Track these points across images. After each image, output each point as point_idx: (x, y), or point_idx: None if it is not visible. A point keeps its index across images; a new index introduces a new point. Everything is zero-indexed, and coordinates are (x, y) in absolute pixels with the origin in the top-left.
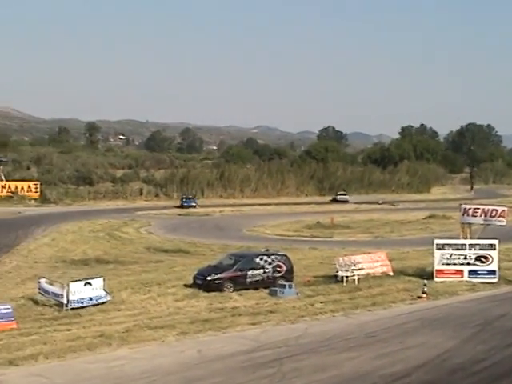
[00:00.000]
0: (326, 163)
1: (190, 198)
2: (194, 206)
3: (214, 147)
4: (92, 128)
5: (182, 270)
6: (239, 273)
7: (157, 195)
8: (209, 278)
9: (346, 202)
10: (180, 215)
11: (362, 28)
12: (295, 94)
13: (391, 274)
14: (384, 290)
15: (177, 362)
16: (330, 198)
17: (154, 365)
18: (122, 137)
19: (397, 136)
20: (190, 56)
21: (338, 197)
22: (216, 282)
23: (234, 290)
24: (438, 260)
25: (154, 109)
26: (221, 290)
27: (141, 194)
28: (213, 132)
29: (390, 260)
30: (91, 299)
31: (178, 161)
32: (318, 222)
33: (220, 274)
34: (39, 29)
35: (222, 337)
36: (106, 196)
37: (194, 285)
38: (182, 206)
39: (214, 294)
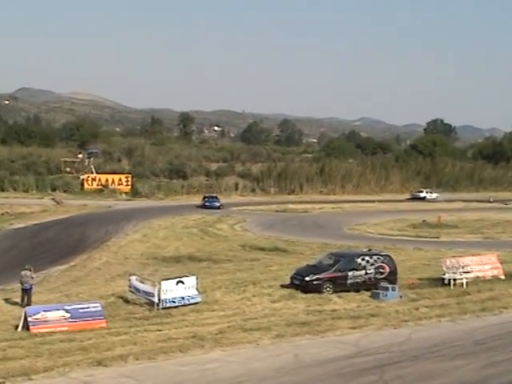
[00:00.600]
0: (434, 158)
1: (213, 197)
2: (219, 207)
3: (314, 140)
4: (186, 119)
5: (279, 270)
6: (339, 273)
7: (253, 190)
8: (307, 279)
9: (421, 199)
10: (277, 211)
11: (480, 16)
12: (401, 84)
13: (502, 277)
14: (494, 294)
15: (272, 366)
16: (407, 196)
17: (248, 369)
18: (216, 128)
19: (511, 130)
20: (291, 44)
21: (418, 194)
22: (315, 282)
23: (334, 292)
24: None
25: (251, 99)
26: (319, 292)
27: (236, 188)
28: (313, 124)
29: (501, 262)
30: (183, 299)
31: (276, 154)
32: (423, 221)
33: (319, 274)
34: (132, 19)
35: (320, 341)
36: (199, 190)
37: (292, 285)
38: (204, 207)
39: (312, 295)
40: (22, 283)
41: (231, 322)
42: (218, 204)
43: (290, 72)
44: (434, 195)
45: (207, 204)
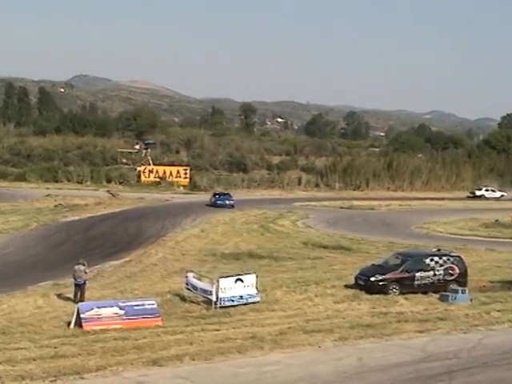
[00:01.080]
0: (509, 155)
1: (225, 195)
2: (231, 206)
3: (382, 133)
4: (247, 109)
5: (343, 269)
6: (406, 274)
7: (317, 185)
8: (372, 279)
9: (478, 197)
10: (342, 208)
11: None
12: (474, 76)
13: None
14: None
15: (334, 370)
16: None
17: (309, 372)
18: (279, 120)
19: None
20: (357, 33)
21: (476, 191)
22: (380, 283)
23: (400, 293)
24: None
25: (316, 90)
26: (385, 293)
27: (299, 183)
28: (380, 116)
29: None
30: (242, 297)
31: (341, 148)
32: (496, 221)
33: (385, 274)
34: (192, 6)
35: (385, 344)
36: (260, 184)
37: (356, 285)
38: (214, 205)
39: (377, 296)
40: (75, 278)
41: (292, 323)
42: (230, 202)
43: (356, 62)
44: (499, 193)
45: (219, 202)
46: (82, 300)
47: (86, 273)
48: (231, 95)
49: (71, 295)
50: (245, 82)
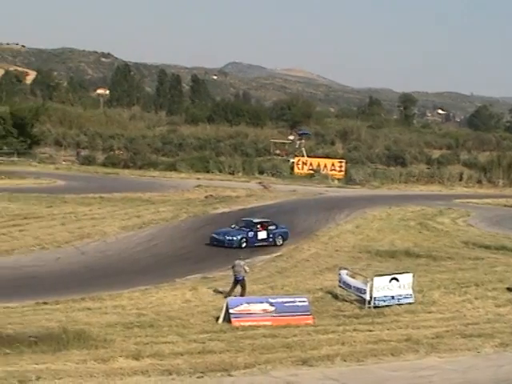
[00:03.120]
0: None
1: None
2: (274, 242)
3: None
4: (407, 100)
5: (505, 271)
6: None
7: (479, 181)
8: None
9: None
10: (506, 206)
11: None
12: None
13: None
14: None
15: (494, 377)
16: None
17: (467, 379)
18: (441, 111)
19: None
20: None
21: None
22: None
23: None
24: None
25: (480, 80)
26: None
27: (460, 179)
28: None
29: None
30: (396, 298)
31: (506, 142)
32: None
33: None
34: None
35: None
36: (419, 179)
37: None
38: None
39: None
40: (234, 273)
41: (450, 326)
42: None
43: None
44: None
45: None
46: (242, 295)
47: (245, 271)
48: (390, 85)
49: (221, 289)
50: (404, 72)
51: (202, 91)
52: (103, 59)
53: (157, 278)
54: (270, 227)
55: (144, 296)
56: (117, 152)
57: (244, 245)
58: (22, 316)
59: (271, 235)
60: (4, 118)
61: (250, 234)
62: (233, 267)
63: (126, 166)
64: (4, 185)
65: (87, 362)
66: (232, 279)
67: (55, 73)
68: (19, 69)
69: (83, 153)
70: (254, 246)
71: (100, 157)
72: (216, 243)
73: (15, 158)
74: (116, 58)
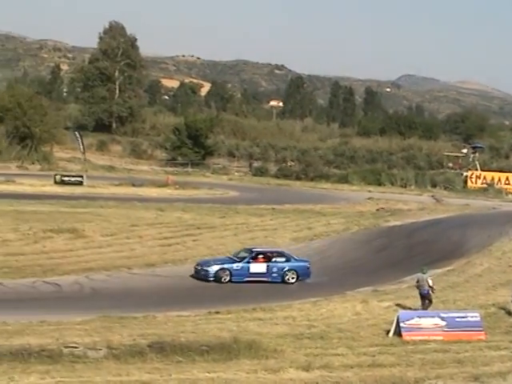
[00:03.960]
0: None
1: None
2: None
3: None
4: None
5: None
6: None
7: None
8: None
9: None
10: None
11: None
12: None
13: None
14: None
15: None
16: None
17: None
18: None
19: None
20: None
21: None
22: None
23: None
24: None
25: None
26: None
27: None
28: None
29: None
30: None
31: None
32: None
33: None
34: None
35: None
36: None
37: None
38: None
39: None
40: (418, 288)
41: None
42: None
43: None
44: None
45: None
46: (424, 308)
47: (428, 283)
48: None
49: (390, 303)
50: None
51: (375, 103)
52: (277, 71)
53: (328, 289)
54: (277, 259)
55: (314, 308)
56: (289, 164)
57: (226, 279)
58: (194, 325)
59: (275, 269)
60: (179, 129)
61: (237, 265)
62: (417, 282)
63: (297, 178)
64: (178, 195)
65: (258, 372)
66: (417, 294)
67: (229, 85)
68: (194, 81)
69: (256, 164)
70: (246, 282)
71: (272, 168)
72: (196, 275)
73: (189, 169)
74: (289, 70)
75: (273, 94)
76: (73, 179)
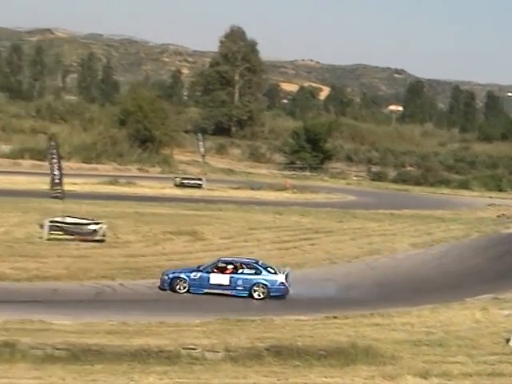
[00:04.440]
0: None
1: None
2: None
3: None
4: None
5: None
6: None
7: None
8: None
9: None
10: None
11: None
12: None
13: None
14: None
15: None
16: None
17: None
18: None
19: None
20: None
21: None
22: None
23: None
24: None
25: None
26: None
27: None
28: None
29: None
30: None
31: None
32: None
33: None
34: None
35: None
36: None
37: None
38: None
39: None
40: None
41: None
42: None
43: None
44: None
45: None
46: None
47: None
48: None
49: (511, 311)
50: None
51: (497, 108)
52: (396, 75)
53: (446, 296)
54: (245, 271)
55: (433, 314)
56: (408, 168)
57: (183, 288)
58: (312, 329)
59: (240, 282)
60: (298, 133)
61: (194, 275)
62: None
63: (417, 183)
64: (296, 199)
65: (375, 379)
66: None
67: (348, 89)
68: (313, 85)
69: (374, 169)
70: (204, 294)
71: (391, 173)
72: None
73: (307, 173)
74: (409, 75)
75: (392, 98)
76: (192, 182)
